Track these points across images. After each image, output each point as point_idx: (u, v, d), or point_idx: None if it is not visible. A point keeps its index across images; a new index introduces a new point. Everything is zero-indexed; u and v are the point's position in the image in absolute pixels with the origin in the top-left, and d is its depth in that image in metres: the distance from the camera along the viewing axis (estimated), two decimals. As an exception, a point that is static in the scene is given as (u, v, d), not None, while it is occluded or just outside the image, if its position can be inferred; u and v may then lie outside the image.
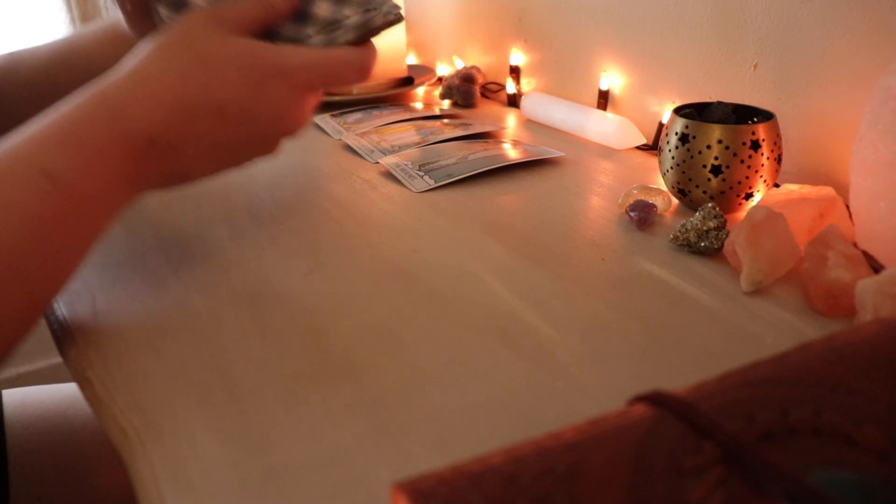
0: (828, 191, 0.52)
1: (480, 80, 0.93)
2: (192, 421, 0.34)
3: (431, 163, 0.67)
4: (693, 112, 0.58)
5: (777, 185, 0.56)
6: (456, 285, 0.46)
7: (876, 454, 0.22)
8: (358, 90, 0.91)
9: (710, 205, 0.50)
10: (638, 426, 0.24)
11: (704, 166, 0.53)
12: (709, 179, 0.53)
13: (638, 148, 0.74)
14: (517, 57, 0.91)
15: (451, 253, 0.51)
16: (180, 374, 0.38)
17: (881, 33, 0.52)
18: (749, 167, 0.52)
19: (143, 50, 0.43)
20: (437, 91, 0.95)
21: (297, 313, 0.43)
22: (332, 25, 0.48)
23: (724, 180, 0.53)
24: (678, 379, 0.36)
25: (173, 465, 0.32)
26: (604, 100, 0.79)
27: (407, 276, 0.48)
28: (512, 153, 0.69)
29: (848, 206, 0.49)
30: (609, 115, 0.76)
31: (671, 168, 0.55)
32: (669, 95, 0.72)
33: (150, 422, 0.35)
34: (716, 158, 0.53)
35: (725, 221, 0.50)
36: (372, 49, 0.49)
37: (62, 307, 0.45)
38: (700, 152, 0.53)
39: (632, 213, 0.55)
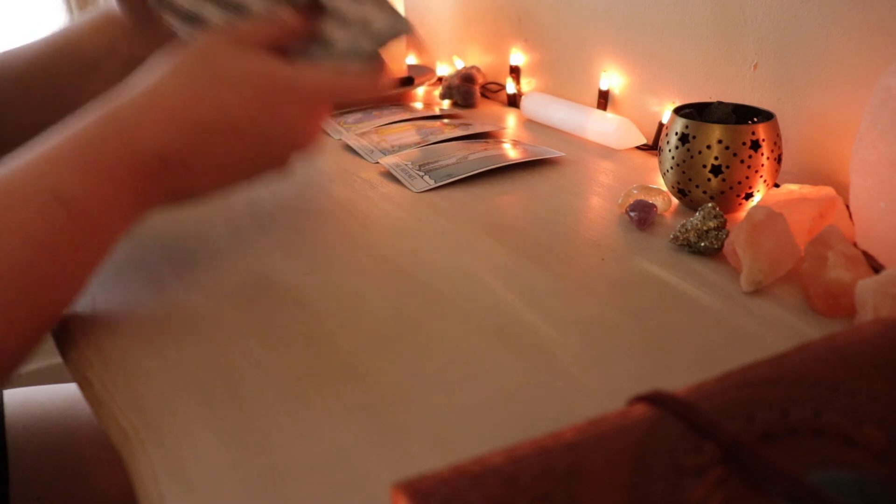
0: (828, 191, 0.52)
1: (480, 80, 0.93)
2: (192, 421, 0.34)
3: (431, 163, 0.67)
4: (693, 112, 0.58)
5: (777, 185, 0.56)
6: (456, 285, 0.46)
7: (876, 454, 0.22)
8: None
9: (710, 205, 0.50)
10: (638, 426, 0.24)
11: (704, 166, 0.53)
12: (709, 179, 0.53)
13: (638, 148, 0.74)
14: (517, 57, 0.91)
15: (451, 253, 0.51)
16: (180, 374, 0.38)
17: (881, 33, 0.52)
18: (749, 167, 0.52)
19: (158, 66, 0.43)
20: (437, 91, 0.95)
21: (297, 313, 0.43)
22: (334, 41, 0.48)
23: (724, 180, 0.53)
24: (678, 379, 0.36)
25: (173, 465, 0.32)
26: (604, 100, 0.79)
27: (407, 276, 0.48)
28: (512, 153, 0.69)
29: (848, 206, 0.49)
30: (609, 115, 0.76)
31: (671, 168, 0.55)
32: (669, 95, 0.72)
33: (150, 422, 0.35)
34: (716, 158, 0.53)
35: (725, 221, 0.50)
36: (382, 66, 0.49)
37: (62, 307, 0.45)
38: (700, 152, 0.53)
39: (632, 213, 0.55)
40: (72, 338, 0.42)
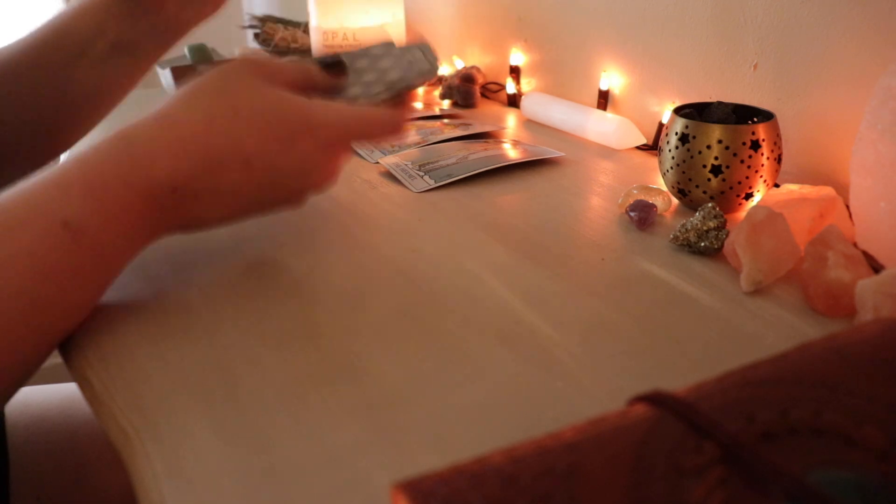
0: (828, 191, 0.52)
1: (480, 80, 0.93)
2: (192, 420, 0.34)
3: (431, 163, 0.67)
4: (693, 112, 0.58)
5: (777, 185, 0.56)
6: (456, 285, 0.46)
7: (876, 454, 0.22)
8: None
9: (710, 205, 0.50)
10: (638, 426, 0.24)
11: (704, 166, 0.53)
12: (709, 179, 0.53)
13: (638, 148, 0.74)
14: (517, 57, 0.91)
15: (450, 253, 0.51)
16: (180, 373, 0.38)
17: (881, 33, 0.52)
18: (749, 167, 0.52)
19: (175, 93, 0.43)
20: (437, 91, 0.95)
21: (297, 313, 0.43)
22: (367, 82, 0.48)
23: (724, 180, 0.53)
24: (678, 379, 0.36)
25: (173, 464, 0.32)
26: (604, 100, 0.79)
27: (407, 275, 0.48)
28: (512, 153, 0.69)
29: (848, 206, 0.49)
30: (609, 115, 0.76)
31: (671, 168, 0.55)
32: (669, 95, 0.72)
33: (150, 421, 0.35)
34: (716, 158, 0.53)
35: (725, 221, 0.50)
36: (407, 107, 0.48)
37: (62, 307, 0.45)
38: (700, 152, 0.53)
39: (632, 213, 0.55)
40: (72, 338, 0.42)
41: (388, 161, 0.68)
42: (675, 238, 0.50)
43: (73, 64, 0.57)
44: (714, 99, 0.60)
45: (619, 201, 0.57)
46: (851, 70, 0.55)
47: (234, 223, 0.46)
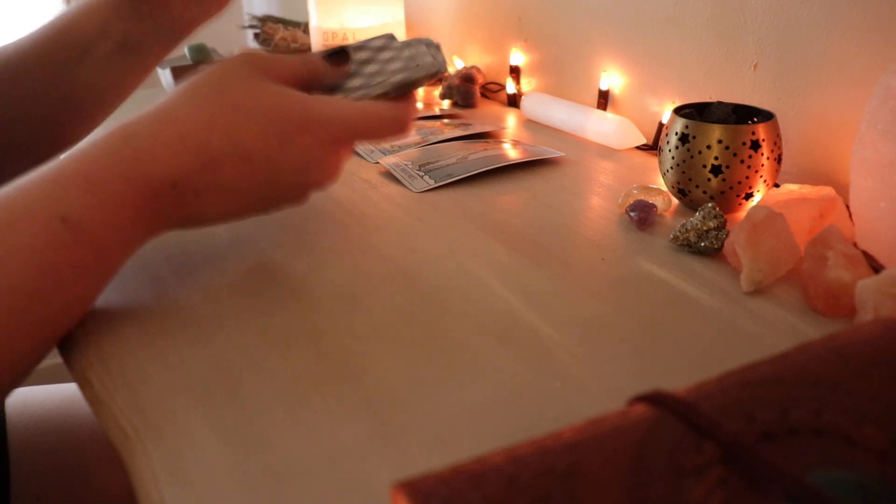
0: (828, 191, 0.52)
1: (480, 80, 0.93)
2: (192, 421, 0.34)
3: (431, 163, 0.67)
4: (693, 112, 0.58)
5: (777, 185, 0.56)
6: (456, 285, 0.46)
7: (876, 454, 0.22)
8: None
9: (710, 205, 0.50)
10: (638, 426, 0.24)
11: (704, 166, 0.53)
12: (709, 179, 0.53)
13: (638, 148, 0.74)
14: (517, 57, 0.91)
15: (450, 253, 0.51)
16: (180, 374, 0.38)
17: (881, 33, 0.52)
18: (749, 167, 0.52)
19: (176, 89, 0.43)
20: (437, 91, 0.95)
21: (297, 313, 0.43)
22: (369, 73, 0.48)
23: (724, 180, 0.53)
24: (678, 379, 0.36)
25: (173, 465, 0.32)
26: (604, 100, 0.79)
27: (407, 275, 0.48)
28: (512, 153, 0.69)
29: (848, 206, 0.49)
30: (609, 115, 0.76)
31: (671, 168, 0.55)
32: (669, 95, 0.72)
33: (150, 422, 0.35)
34: (716, 158, 0.53)
35: (725, 221, 0.50)
36: (411, 104, 0.48)
37: (62, 307, 0.45)
38: (700, 152, 0.53)
39: (632, 213, 0.55)
40: (72, 338, 0.42)
41: (388, 161, 0.68)
42: (675, 238, 0.50)
43: (78, 63, 0.57)
44: (714, 99, 0.60)
45: (619, 201, 0.57)
46: (851, 70, 0.55)
47: (235, 220, 0.46)
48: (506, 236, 0.53)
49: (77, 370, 0.40)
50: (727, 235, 0.49)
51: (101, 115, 0.62)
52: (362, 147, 0.74)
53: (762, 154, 0.52)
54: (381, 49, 0.49)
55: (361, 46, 0.50)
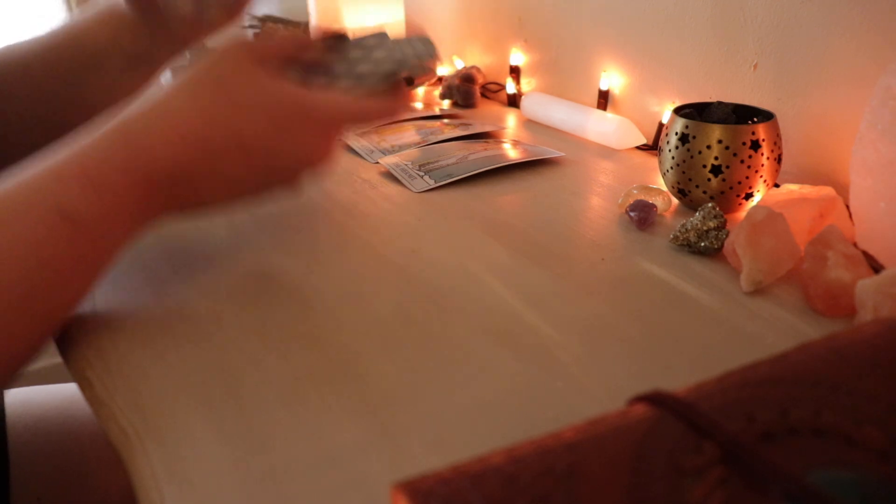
0: (828, 191, 0.52)
1: (480, 80, 0.93)
2: (192, 421, 0.34)
3: (431, 163, 0.67)
4: (693, 112, 0.58)
5: (777, 185, 0.56)
6: (456, 285, 0.46)
7: (876, 454, 0.22)
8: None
9: (710, 205, 0.50)
10: (638, 426, 0.24)
11: (704, 166, 0.53)
12: (709, 179, 0.53)
13: (638, 148, 0.74)
14: (517, 57, 0.91)
15: (451, 253, 0.51)
16: (180, 373, 0.38)
17: (881, 33, 0.52)
18: (749, 167, 0.52)
19: (172, 83, 0.43)
20: (437, 91, 0.95)
21: (297, 313, 0.43)
22: (353, 65, 0.48)
23: (724, 180, 0.53)
24: (678, 379, 0.36)
25: (173, 465, 0.32)
26: (604, 100, 0.79)
27: (407, 275, 0.48)
28: (512, 153, 0.69)
29: (848, 206, 0.49)
30: (609, 115, 0.76)
31: (671, 168, 0.55)
32: (669, 95, 0.72)
33: (150, 422, 0.35)
34: (716, 158, 0.53)
35: (725, 221, 0.50)
36: (403, 95, 0.49)
37: (62, 307, 0.45)
38: (700, 152, 0.53)
39: (632, 213, 0.55)
40: (72, 338, 0.42)
41: (388, 161, 0.68)
42: (675, 238, 0.50)
43: (87, 73, 0.57)
44: (714, 99, 0.60)
45: (619, 201, 0.57)
46: (851, 70, 0.55)
47: (230, 206, 0.46)
48: (506, 236, 0.53)
49: (77, 370, 0.40)
50: (727, 235, 0.49)
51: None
52: (363, 147, 0.74)
53: (762, 154, 0.52)
54: (374, 48, 0.49)
55: (355, 45, 0.51)
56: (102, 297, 0.46)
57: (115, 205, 0.39)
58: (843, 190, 0.53)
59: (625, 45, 0.76)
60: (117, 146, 0.40)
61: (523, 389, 0.36)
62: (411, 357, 0.39)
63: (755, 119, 0.56)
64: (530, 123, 0.84)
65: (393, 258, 0.50)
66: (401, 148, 0.73)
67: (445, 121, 0.82)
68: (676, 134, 0.55)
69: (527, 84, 0.92)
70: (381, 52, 0.48)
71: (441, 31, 1.05)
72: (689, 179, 0.54)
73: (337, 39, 0.50)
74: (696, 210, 0.54)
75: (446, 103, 0.92)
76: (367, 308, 0.44)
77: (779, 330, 0.41)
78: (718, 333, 0.41)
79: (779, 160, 0.54)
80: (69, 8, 1.23)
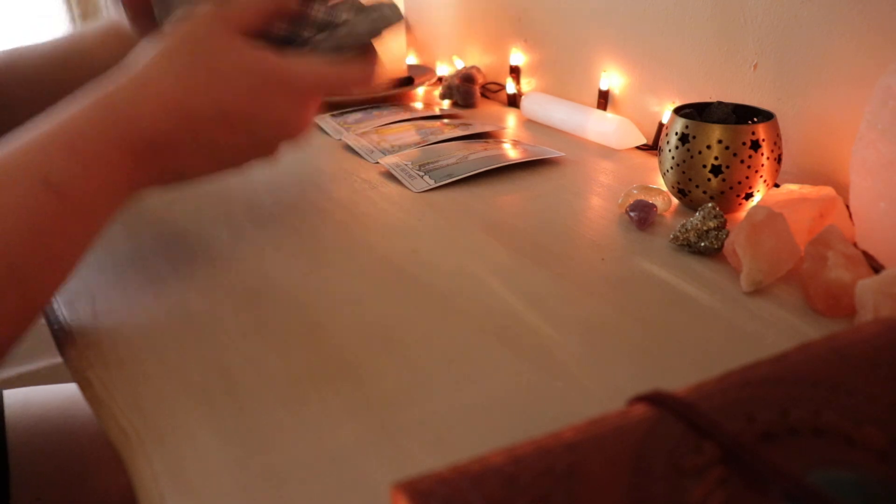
0: (828, 191, 0.52)
1: (480, 80, 0.93)
2: (192, 421, 0.34)
3: (431, 163, 0.67)
4: (693, 112, 0.58)
5: (777, 185, 0.56)
6: (456, 285, 0.46)
7: (876, 454, 0.22)
8: (358, 90, 0.91)
9: (710, 205, 0.50)
10: (638, 426, 0.24)
11: (704, 166, 0.53)
12: (709, 179, 0.53)
13: (638, 148, 0.74)
14: (517, 57, 0.91)
15: (451, 253, 0.51)
16: (180, 374, 0.38)
17: (881, 33, 0.52)
18: (749, 167, 0.52)
19: (147, 51, 0.43)
20: (437, 91, 0.95)
21: (297, 313, 0.43)
22: (327, 29, 0.48)
23: (724, 180, 0.53)
24: (678, 379, 0.36)
25: (173, 465, 0.32)
26: (604, 100, 0.79)
27: (407, 275, 0.48)
28: (512, 153, 0.69)
29: (848, 206, 0.49)
30: (609, 115, 0.76)
31: (671, 168, 0.55)
32: (669, 95, 0.72)
33: (150, 422, 0.35)
34: (716, 158, 0.53)
35: (725, 221, 0.50)
36: (374, 56, 0.49)
37: (62, 308, 0.45)
38: (700, 152, 0.53)
39: (632, 213, 0.55)
40: (72, 338, 0.42)
41: (388, 161, 0.68)
42: (675, 238, 0.50)
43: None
44: (714, 99, 0.60)
45: (619, 201, 0.57)
46: (851, 70, 0.55)
47: (213, 176, 0.46)
48: (506, 236, 0.53)
49: (77, 370, 0.40)
50: (727, 235, 0.49)
51: None
52: (362, 147, 0.74)
53: (762, 154, 0.52)
54: (344, 12, 0.50)
55: (329, 10, 0.51)
56: (103, 297, 0.46)
57: (100, 175, 0.40)
58: (843, 190, 0.53)
59: (625, 45, 0.76)
60: (99, 116, 0.40)
61: (523, 389, 0.36)
62: (411, 357, 0.39)
63: (755, 119, 0.56)
64: (530, 123, 0.84)
65: (393, 258, 0.50)
66: (401, 148, 0.73)
67: (445, 121, 0.82)
68: (676, 134, 0.55)
69: (527, 84, 0.92)
70: (352, 16, 0.49)
71: (441, 31, 1.05)
72: (689, 179, 0.54)
73: (309, 4, 0.50)
74: (696, 210, 0.54)
75: (446, 103, 0.92)
76: (367, 308, 0.44)
77: (779, 330, 0.41)
78: (718, 333, 0.41)
79: (779, 160, 0.54)
80: (69, 8, 1.23)
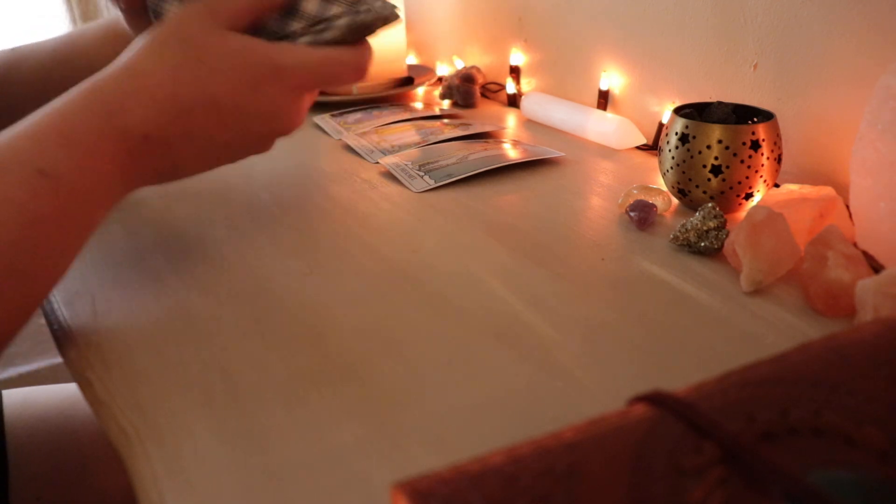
0: (828, 191, 0.52)
1: (480, 80, 0.93)
2: (192, 421, 0.34)
3: (431, 163, 0.67)
4: (693, 112, 0.58)
5: (777, 185, 0.56)
6: (456, 285, 0.46)
7: (876, 454, 0.22)
8: (358, 90, 0.91)
9: (710, 205, 0.50)
10: (638, 426, 0.24)
11: (704, 166, 0.53)
12: (709, 179, 0.53)
13: (638, 148, 0.74)
14: (517, 57, 0.91)
15: (450, 253, 0.51)
16: (180, 374, 0.38)
17: (881, 33, 0.52)
18: (749, 167, 0.52)
19: (138, 45, 0.43)
20: (437, 91, 0.95)
21: (297, 313, 0.43)
22: (320, 23, 0.48)
23: (724, 180, 0.53)
24: (678, 379, 0.36)
25: (173, 465, 0.32)
26: (604, 100, 0.79)
27: (407, 276, 0.48)
28: (512, 153, 0.69)
29: (848, 206, 0.49)
30: (609, 115, 0.76)
31: (671, 168, 0.55)
32: (669, 95, 0.72)
33: (150, 422, 0.35)
34: (716, 158, 0.53)
35: (725, 221, 0.50)
36: (367, 49, 0.49)
37: (62, 308, 0.45)
38: (700, 152, 0.53)
39: (632, 213, 0.55)
40: (72, 338, 0.42)
41: (388, 161, 0.68)
42: (675, 238, 0.50)
43: None
44: (714, 99, 0.60)
45: (619, 201, 0.57)
46: (851, 70, 0.55)
47: (207, 170, 0.46)
48: (506, 236, 0.53)
49: (77, 370, 0.40)
50: (727, 235, 0.49)
51: None
52: (362, 147, 0.74)
53: (762, 154, 0.52)
54: (336, 5, 0.49)
55: (320, 2, 0.50)
56: (102, 297, 0.46)
57: (92, 164, 0.40)
58: (843, 190, 0.53)
59: (625, 45, 0.76)
60: (92, 109, 0.40)
61: (523, 389, 0.36)
62: (411, 357, 0.39)
63: (755, 119, 0.56)
64: (530, 123, 0.84)
65: (393, 258, 0.50)
66: (401, 148, 0.73)
67: (445, 121, 0.82)
68: (676, 134, 0.55)
69: (527, 84, 0.92)
70: (344, 10, 0.48)
71: (441, 31, 1.05)
72: (689, 179, 0.54)
73: None
74: (696, 210, 0.54)
75: (446, 103, 0.92)
76: (367, 308, 0.44)
77: (779, 330, 0.41)
78: (718, 333, 0.41)
79: (779, 160, 0.54)
80: (69, 8, 1.23)
